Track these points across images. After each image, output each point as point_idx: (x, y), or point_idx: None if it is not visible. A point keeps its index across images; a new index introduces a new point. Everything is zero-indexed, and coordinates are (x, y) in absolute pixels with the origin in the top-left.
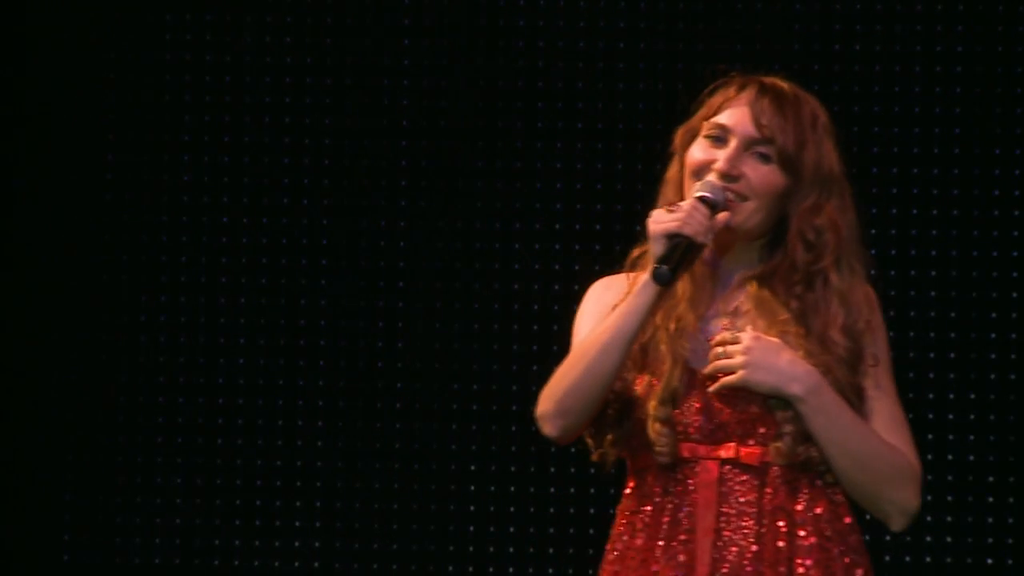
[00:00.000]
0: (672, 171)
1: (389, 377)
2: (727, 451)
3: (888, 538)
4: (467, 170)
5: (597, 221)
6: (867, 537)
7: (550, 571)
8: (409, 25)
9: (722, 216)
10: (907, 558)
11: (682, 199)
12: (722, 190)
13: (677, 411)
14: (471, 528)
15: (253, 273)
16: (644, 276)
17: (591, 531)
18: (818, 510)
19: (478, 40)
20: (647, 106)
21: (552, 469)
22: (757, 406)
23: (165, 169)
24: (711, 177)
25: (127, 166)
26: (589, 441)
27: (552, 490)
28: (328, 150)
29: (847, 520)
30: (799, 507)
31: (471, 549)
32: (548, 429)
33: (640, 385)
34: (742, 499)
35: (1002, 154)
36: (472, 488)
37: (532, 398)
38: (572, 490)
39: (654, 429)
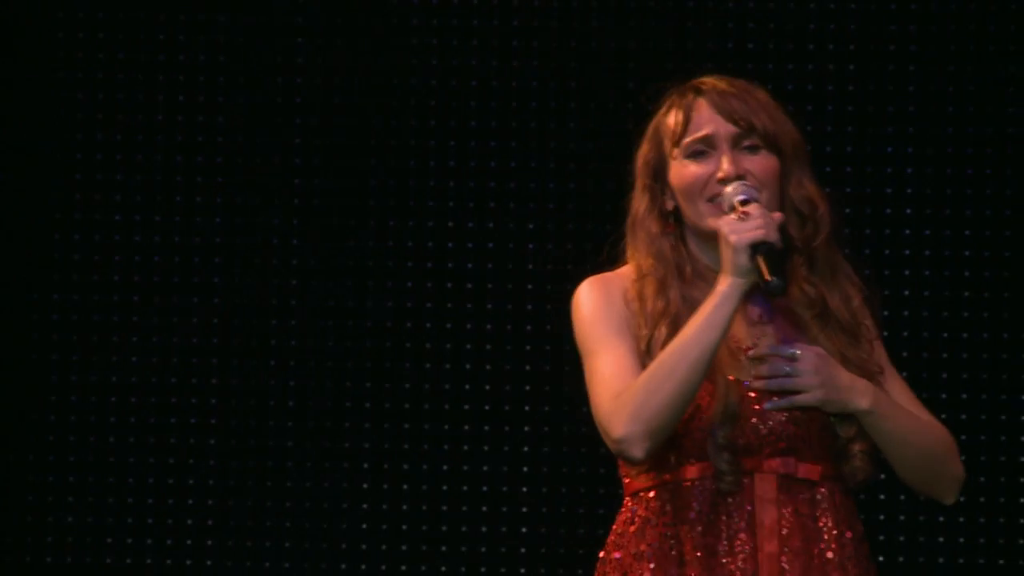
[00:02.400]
0: (641, 206)
1: (380, 378)
2: (784, 466)
3: (881, 538)
4: (458, 171)
5: (589, 220)
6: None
7: (542, 572)
8: (396, 25)
9: (778, 216)
10: (900, 558)
11: (666, 229)
12: (754, 189)
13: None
14: (465, 529)
15: (241, 272)
16: (722, 287)
17: (580, 531)
18: (852, 523)
19: (472, 40)
20: (635, 105)
21: (545, 469)
22: (817, 422)
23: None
24: (739, 182)
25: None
26: (621, 464)
27: (545, 489)
28: (324, 150)
29: (860, 530)
30: (842, 521)
31: (463, 549)
32: (635, 452)
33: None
34: (803, 516)
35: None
36: (465, 488)
37: (526, 397)
38: (565, 489)
39: (721, 459)
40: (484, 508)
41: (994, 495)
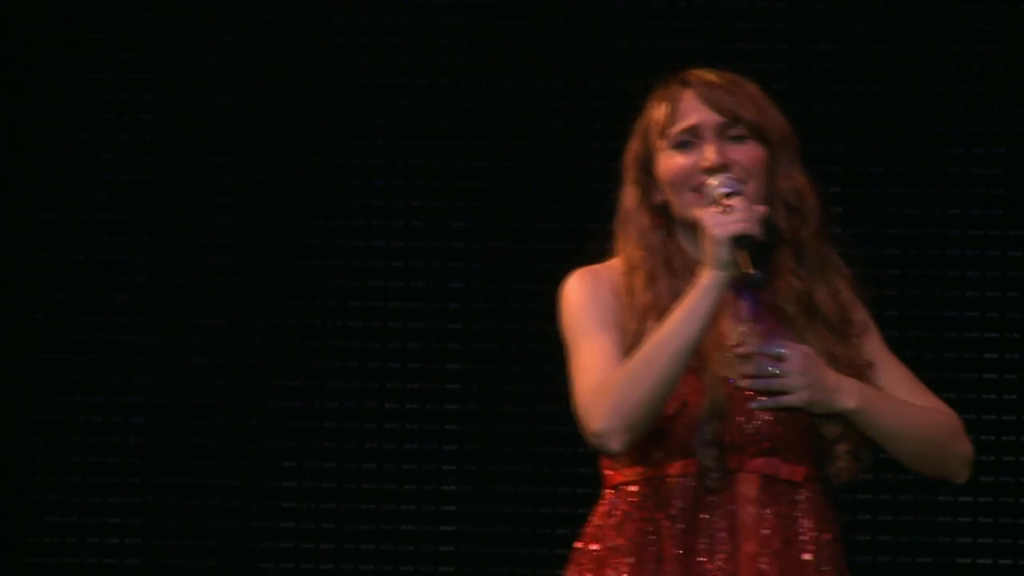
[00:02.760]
0: (631, 200)
1: (364, 378)
2: (767, 466)
3: (867, 538)
4: (445, 170)
5: (576, 220)
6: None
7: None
8: (391, 23)
9: (761, 208)
10: (884, 558)
11: (655, 222)
12: (737, 182)
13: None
14: (454, 529)
15: (233, 273)
16: (704, 280)
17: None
18: (830, 524)
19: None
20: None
21: (528, 468)
22: (802, 422)
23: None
24: (724, 175)
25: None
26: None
27: (527, 489)
28: (318, 150)
29: (836, 531)
30: (821, 523)
31: (452, 549)
32: (614, 445)
33: (672, 401)
34: (785, 517)
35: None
36: (453, 489)
37: (515, 396)
38: (551, 489)
39: (708, 455)
40: (475, 509)
41: (977, 495)
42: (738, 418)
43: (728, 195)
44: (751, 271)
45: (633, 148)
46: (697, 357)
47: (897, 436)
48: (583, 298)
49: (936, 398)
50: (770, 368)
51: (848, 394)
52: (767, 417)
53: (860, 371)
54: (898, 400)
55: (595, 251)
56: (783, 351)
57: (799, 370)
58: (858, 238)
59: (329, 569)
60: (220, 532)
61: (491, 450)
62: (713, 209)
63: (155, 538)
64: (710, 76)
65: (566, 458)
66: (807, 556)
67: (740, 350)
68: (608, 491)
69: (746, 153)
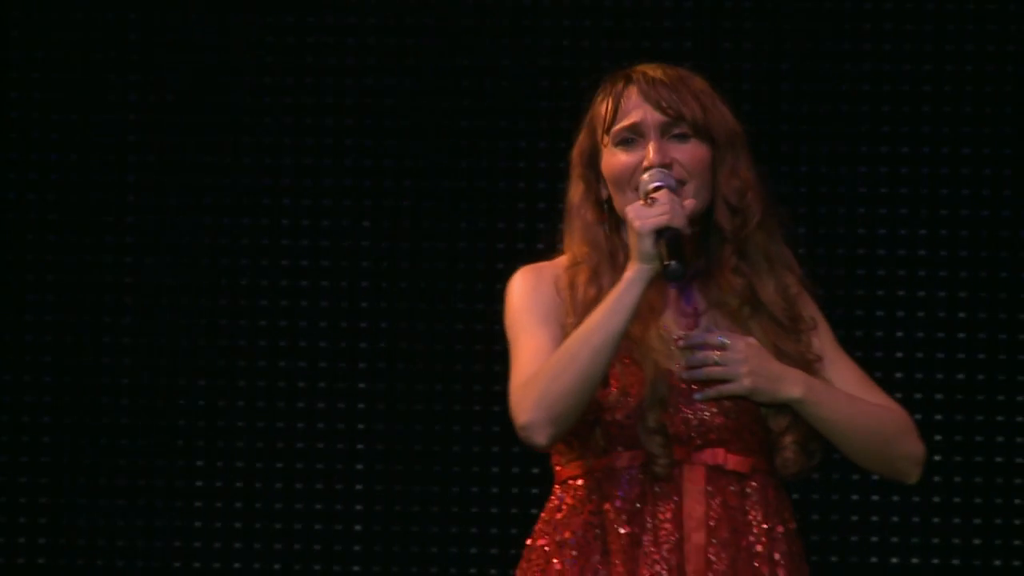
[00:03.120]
0: (576, 194)
1: (348, 378)
2: (713, 457)
3: (851, 538)
4: (403, 169)
5: (520, 220)
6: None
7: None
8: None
9: (689, 203)
10: (874, 558)
11: (600, 218)
12: (671, 176)
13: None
14: (437, 529)
15: (230, 273)
16: (629, 273)
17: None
18: (784, 517)
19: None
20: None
21: (478, 469)
22: (749, 414)
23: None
24: (661, 170)
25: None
26: (554, 450)
27: (478, 489)
28: (322, 150)
29: (792, 526)
30: (772, 515)
31: (435, 550)
32: (539, 438)
33: (613, 392)
34: (731, 508)
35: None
36: (436, 489)
37: (468, 396)
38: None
39: (654, 442)
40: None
41: (949, 495)
42: (683, 410)
43: (657, 189)
44: (668, 263)
45: (580, 143)
46: (640, 349)
47: (843, 429)
48: (524, 295)
49: (887, 396)
50: (712, 357)
51: (792, 383)
52: (713, 409)
53: (808, 365)
54: (846, 394)
55: (546, 248)
56: (724, 340)
57: (741, 358)
58: (811, 237)
59: (321, 571)
60: (218, 533)
61: (441, 450)
62: (638, 203)
63: (153, 540)
64: (656, 72)
65: (517, 457)
66: (758, 548)
67: (682, 342)
68: (556, 486)
69: (688, 152)
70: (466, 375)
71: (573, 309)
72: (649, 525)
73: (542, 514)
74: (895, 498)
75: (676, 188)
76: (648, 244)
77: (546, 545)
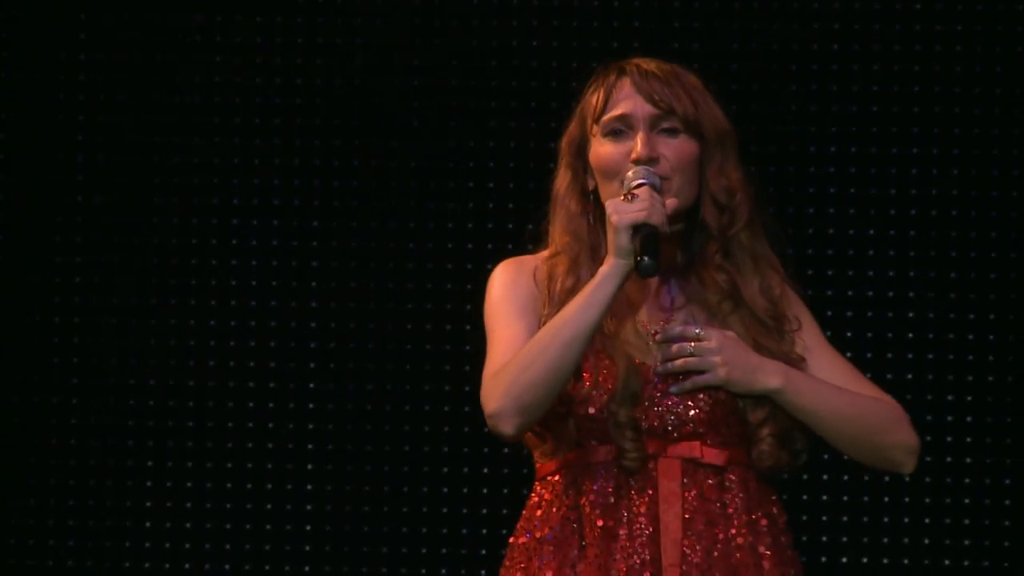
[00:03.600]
0: (562, 183)
1: (377, 378)
2: (689, 450)
3: (839, 538)
4: (392, 169)
5: (508, 220)
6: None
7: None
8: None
9: (670, 202)
10: (865, 558)
11: (585, 208)
12: (655, 175)
13: (639, 405)
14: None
15: (236, 273)
16: (605, 267)
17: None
18: (768, 510)
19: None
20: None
21: (461, 469)
22: (726, 407)
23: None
24: (644, 167)
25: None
26: (530, 445)
27: (467, 489)
28: (319, 150)
29: (782, 520)
30: (753, 507)
31: (388, 551)
32: (505, 427)
33: (586, 386)
34: (707, 500)
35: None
36: (408, 490)
37: (450, 395)
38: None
39: (624, 437)
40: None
41: (940, 496)
42: (659, 403)
43: (639, 185)
44: (641, 259)
45: (569, 132)
46: (614, 343)
47: (827, 419)
48: (503, 287)
49: (878, 389)
50: (687, 348)
51: (770, 374)
52: (688, 402)
53: (793, 364)
54: (830, 385)
55: (534, 248)
56: (700, 332)
57: (715, 348)
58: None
59: (315, 571)
60: (215, 535)
61: (429, 451)
62: (618, 198)
63: (151, 540)
64: (649, 66)
65: (507, 458)
66: (740, 540)
67: (659, 336)
68: (536, 483)
69: (676, 147)
70: (454, 375)
71: (550, 300)
72: (624, 518)
73: (523, 511)
74: (885, 499)
75: (660, 186)
76: (624, 239)
77: (527, 543)
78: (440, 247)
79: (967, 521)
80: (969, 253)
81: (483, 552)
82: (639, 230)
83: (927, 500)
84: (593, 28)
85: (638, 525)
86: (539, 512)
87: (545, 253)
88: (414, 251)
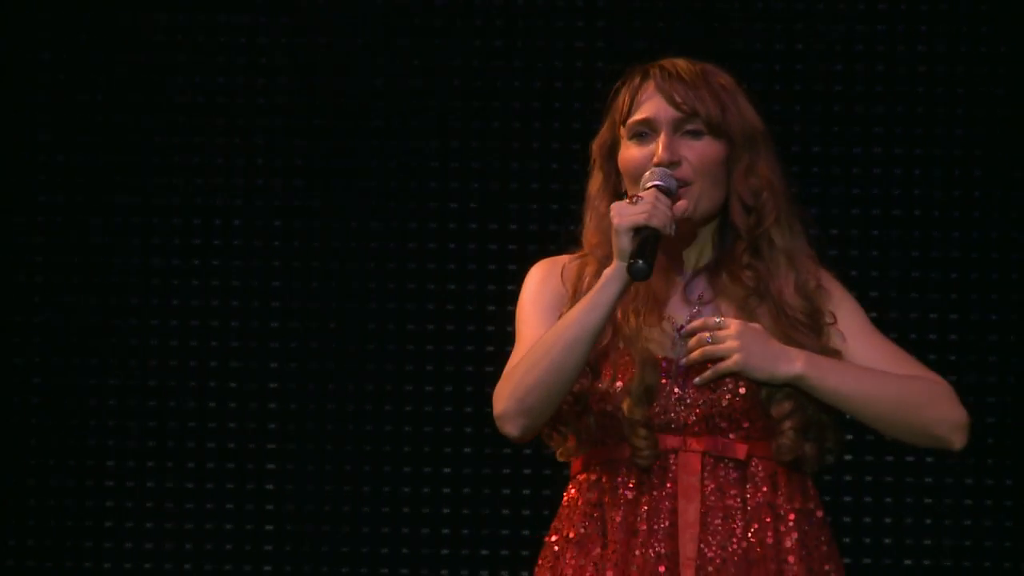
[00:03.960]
0: (594, 186)
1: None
2: (710, 444)
3: (837, 539)
4: (401, 168)
5: (533, 221)
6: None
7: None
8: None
9: (680, 204)
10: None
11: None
12: (672, 177)
13: (656, 402)
14: (415, 529)
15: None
16: (608, 270)
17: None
18: (797, 505)
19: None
20: (583, 104)
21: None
22: (747, 401)
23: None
24: (660, 167)
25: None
26: (552, 444)
27: (485, 491)
28: (318, 149)
29: (819, 515)
30: (780, 502)
31: (408, 551)
32: (510, 429)
33: (605, 383)
34: (728, 494)
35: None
36: (412, 490)
37: (469, 398)
38: (515, 491)
39: (637, 435)
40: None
41: (941, 497)
42: (680, 398)
43: (658, 188)
44: (634, 261)
45: (601, 135)
46: (636, 340)
47: (859, 400)
48: (533, 287)
49: (925, 368)
50: (706, 337)
51: (791, 360)
52: (710, 396)
53: (829, 356)
54: (861, 367)
55: (558, 250)
56: (721, 320)
57: (734, 335)
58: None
59: (313, 572)
60: (214, 534)
61: (430, 452)
62: (624, 201)
63: (150, 540)
64: (676, 67)
65: (506, 458)
66: (762, 536)
67: (684, 330)
68: (570, 483)
69: (699, 149)
70: (457, 376)
71: (572, 300)
72: (645, 513)
73: (558, 511)
74: (887, 499)
75: (674, 190)
76: (625, 242)
77: (557, 541)
78: (441, 248)
79: (968, 522)
80: (971, 254)
81: (483, 553)
82: (639, 232)
83: (928, 501)
84: (600, 28)
85: (657, 520)
86: (567, 511)
87: (578, 253)
88: (414, 251)
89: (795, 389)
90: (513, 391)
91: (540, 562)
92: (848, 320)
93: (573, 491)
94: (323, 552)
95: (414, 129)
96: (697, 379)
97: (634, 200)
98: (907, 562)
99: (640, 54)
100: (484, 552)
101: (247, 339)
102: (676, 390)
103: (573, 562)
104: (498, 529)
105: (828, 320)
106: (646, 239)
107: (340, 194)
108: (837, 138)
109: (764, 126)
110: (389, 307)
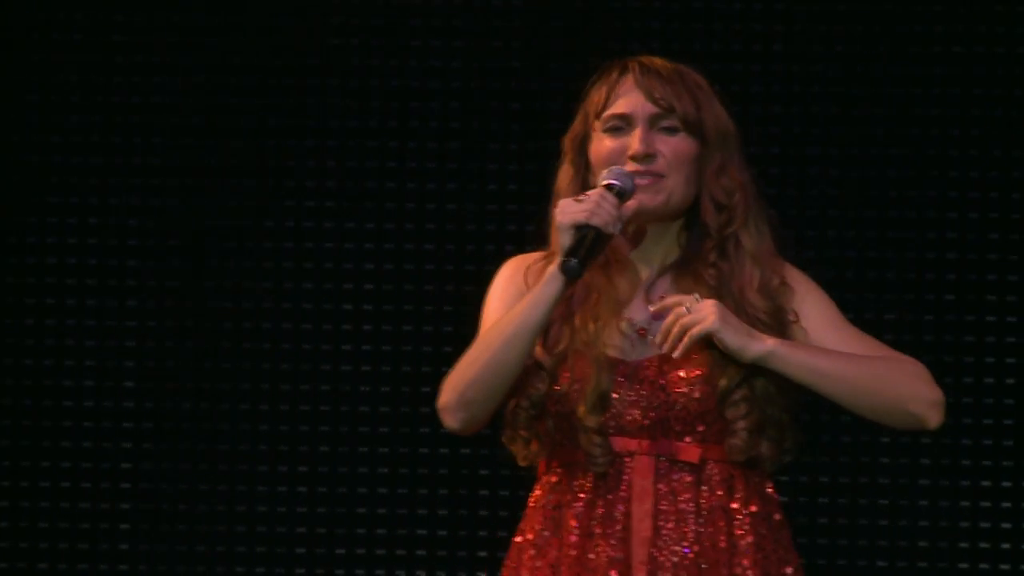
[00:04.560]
0: (564, 180)
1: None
2: (664, 447)
3: (837, 540)
4: (379, 171)
5: (511, 222)
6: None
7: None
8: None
9: (631, 204)
10: (841, 561)
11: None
12: (630, 176)
13: (611, 407)
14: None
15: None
16: (551, 268)
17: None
18: (753, 508)
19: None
20: (562, 105)
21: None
22: (697, 402)
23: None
24: (617, 166)
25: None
26: (514, 449)
27: (453, 490)
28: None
29: (777, 517)
30: (735, 505)
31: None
32: (450, 421)
33: (562, 386)
34: (680, 498)
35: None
36: (368, 491)
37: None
38: (483, 492)
39: (591, 441)
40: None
41: (937, 499)
42: (629, 397)
43: (609, 187)
44: (567, 259)
45: (573, 129)
46: (594, 343)
47: (828, 378)
48: (500, 285)
49: (896, 352)
50: (682, 309)
51: (762, 339)
52: (664, 398)
53: None
54: (830, 349)
55: (534, 250)
56: (696, 295)
57: (711, 306)
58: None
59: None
60: (211, 535)
61: (427, 453)
62: (570, 198)
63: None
64: (653, 64)
65: (506, 459)
66: (716, 538)
67: (655, 307)
68: (536, 484)
69: (673, 145)
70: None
71: None
72: (599, 516)
73: (524, 511)
74: (883, 501)
75: (628, 190)
76: (566, 238)
77: (520, 542)
78: (418, 248)
79: (965, 524)
80: (968, 255)
81: (481, 554)
82: (580, 230)
83: (924, 503)
84: (596, 28)
85: (611, 524)
86: (529, 512)
87: (548, 252)
88: (391, 252)
89: (751, 388)
90: (455, 385)
91: (506, 562)
92: (816, 310)
93: (537, 492)
94: (299, 554)
95: (392, 129)
96: (676, 352)
97: (580, 198)
98: (880, 563)
99: (617, 54)
100: (461, 553)
101: (232, 341)
102: (631, 394)
103: (531, 563)
104: (475, 530)
105: (791, 319)
106: (584, 237)
107: (316, 195)
108: (817, 139)
109: (736, 128)
110: (365, 308)
